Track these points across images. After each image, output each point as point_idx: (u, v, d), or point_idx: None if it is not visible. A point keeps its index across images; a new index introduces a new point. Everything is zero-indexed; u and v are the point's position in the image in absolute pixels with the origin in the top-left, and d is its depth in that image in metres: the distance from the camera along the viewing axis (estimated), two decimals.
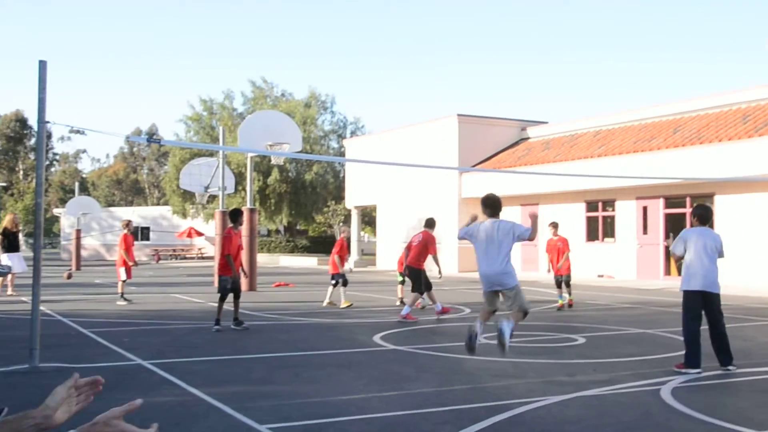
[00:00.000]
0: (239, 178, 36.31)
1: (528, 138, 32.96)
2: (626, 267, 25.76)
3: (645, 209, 25.31)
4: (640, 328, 11.91)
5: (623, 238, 26.17)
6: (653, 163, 23.51)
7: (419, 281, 13.59)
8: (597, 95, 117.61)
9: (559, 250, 15.39)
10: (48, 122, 7.64)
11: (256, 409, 6.14)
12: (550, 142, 31.22)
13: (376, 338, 10.68)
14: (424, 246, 13.85)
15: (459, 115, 32.07)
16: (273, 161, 24.25)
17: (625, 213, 26.23)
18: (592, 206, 27.70)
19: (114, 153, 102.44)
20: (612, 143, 27.09)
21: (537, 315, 14.05)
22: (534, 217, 8.12)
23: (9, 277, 17.87)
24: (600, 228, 27.43)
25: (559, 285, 15.44)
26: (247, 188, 22.06)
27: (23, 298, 16.07)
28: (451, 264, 30.75)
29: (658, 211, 24.77)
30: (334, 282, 15.78)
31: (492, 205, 8.15)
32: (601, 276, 25.99)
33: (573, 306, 15.36)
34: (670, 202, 24.66)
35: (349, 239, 15.55)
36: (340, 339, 10.86)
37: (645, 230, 25.33)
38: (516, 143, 32.93)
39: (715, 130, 23.46)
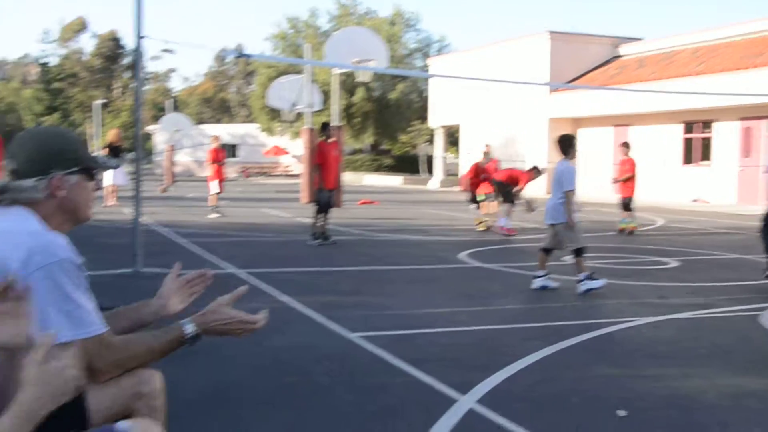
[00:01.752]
0: (325, 96, 36.39)
1: (621, 56, 31.66)
2: (724, 192, 24.75)
3: (748, 130, 24.13)
4: (738, 253, 11.50)
5: (722, 161, 25.11)
6: (760, 80, 22.24)
7: (509, 192, 13.46)
8: (696, 9, 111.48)
9: (624, 171, 14.76)
10: (144, 37, 7.76)
11: (345, 319, 6.26)
12: (644, 59, 29.93)
13: (462, 256, 10.69)
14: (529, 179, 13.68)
15: (551, 32, 31.02)
16: (359, 78, 23.97)
17: (725, 135, 25.08)
18: (689, 127, 26.62)
19: (203, 72, 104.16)
20: (713, 60, 25.77)
21: (626, 238, 13.77)
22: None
23: (111, 188, 18.64)
24: (697, 151, 26.39)
25: (626, 208, 14.48)
26: (333, 106, 22.08)
27: (124, 210, 16.71)
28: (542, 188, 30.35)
29: (762, 132, 23.58)
30: (474, 203, 15.12)
31: (558, 142, 8.17)
32: (696, 200, 25.15)
33: (631, 233, 14.15)
34: None
35: (483, 162, 14.82)
36: (425, 255, 10.92)
37: (747, 153, 24.22)
38: (608, 61, 31.70)
39: None
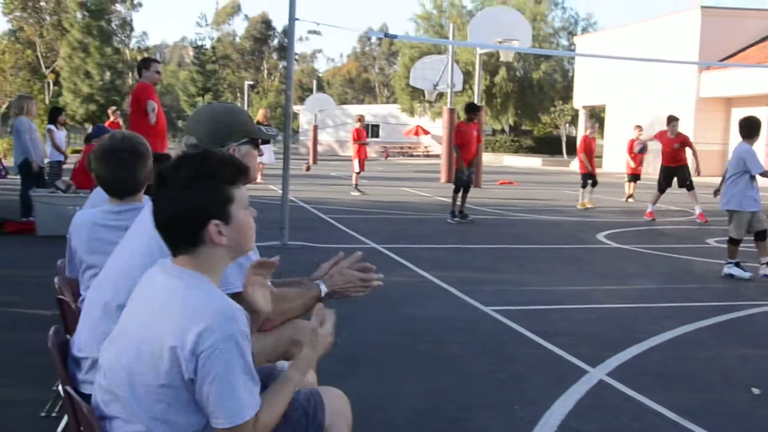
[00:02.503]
0: (467, 76, 36.40)
1: None
2: None
3: None
4: None
5: None
6: None
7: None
8: None
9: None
10: (297, 19, 8.23)
11: (481, 293, 6.48)
12: None
13: (600, 236, 10.63)
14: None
15: (703, 6, 29.62)
16: (501, 58, 23.96)
17: None
18: None
19: (347, 53, 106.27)
20: None
21: None
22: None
23: (258, 166, 19.59)
24: None
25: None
26: (475, 86, 22.16)
27: (271, 186, 17.58)
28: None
29: None
30: (582, 182, 14.97)
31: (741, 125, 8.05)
32: None
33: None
34: None
35: (593, 136, 14.76)
36: (563, 235, 10.93)
37: None
38: (766, 38, 29.93)
39: None
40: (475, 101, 21.67)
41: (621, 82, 33.01)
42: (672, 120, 13.06)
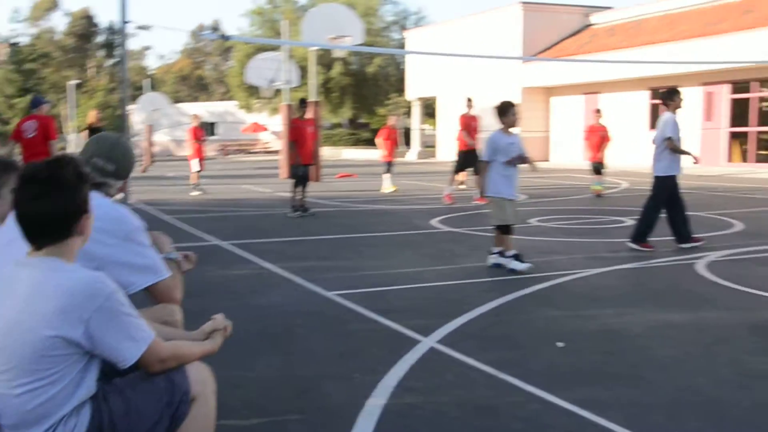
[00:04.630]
0: (303, 72, 36.78)
1: (592, 24, 32.32)
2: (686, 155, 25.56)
3: (710, 95, 24.92)
4: (692, 210, 12.18)
5: (685, 125, 25.85)
6: (721, 47, 22.98)
7: None
8: None
9: (600, 137, 15.41)
10: (128, 22, 8.28)
11: (323, 280, 6.90)
12: (615, 28, 30.61)
13: (433, 222, 11.35)
14: None
15: (522, 2, 31.55)
16: (335, 54, 24.49)
17: (689, 100, 25.77)
18: (656, 94, 27.35)
19: (179, 49, 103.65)
20: (679, 27, 26.46)
21: (591, 201, 14.47)
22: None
23: None
24: None
25: (597, 172, 15.40)
26: (310, 81, 22.55)
27: None
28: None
29: (722, 96, 24.36)
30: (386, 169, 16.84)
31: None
32: None
33: (601, 196, 15.03)
34: (737, 87, 24.21)
35: (394, 126, 16.64)
36: (399, 223, 11.56)
37: (709, 117, 25.04)
38: (580, 30, 32.36)
39: None
40: (312, 96, 22.10)
41: (450, 75, 34.54)
42: (469, 101, 15.76)
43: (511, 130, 7.45)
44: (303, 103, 12.87)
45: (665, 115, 8.48)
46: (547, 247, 8.81)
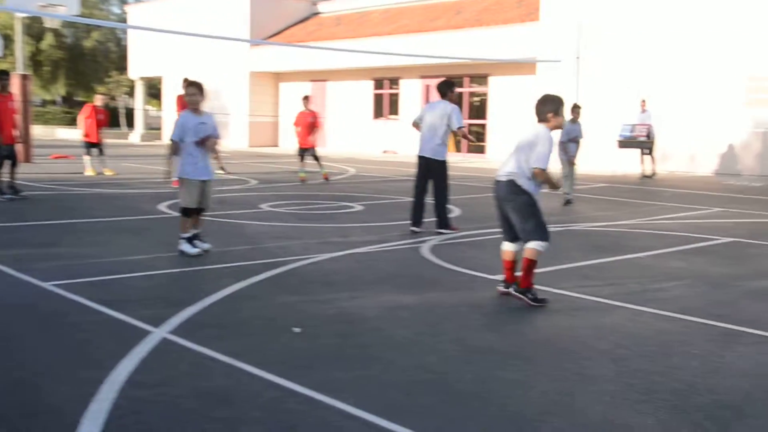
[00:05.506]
0: (7, 41, 33.48)
1: (319, 13, 32.99)
2: (410, 143, 27.12)
3: (428, 88, 26.59)
4: (411, 197, 12.92)
5: (407, 115, 27.45)
6: (437, 43, 24.61)
7: None
8: None
9: (310, 123, 15.59)
10: None
11: (40, 270, 6.29)
12: (341, 18, 31.49)
13: (161, 207, 10.88)
14: None
15: None
16: (47, 24, 22.45)
17: (410, 91, 27.42)
18: (379, 84, 28.63)
19: None
20: (401, 22, 27.88)
21: (321, 186, 14.76)
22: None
23: None
24: (386, 105, 28.49)
25: (303, 158, 15.59)
26: (17, 53, 20.57)
27: None
28: (243, 139, 30.95)
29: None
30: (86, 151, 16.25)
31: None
32: (386, 152, 27.28)
33: (329, 180, 15.48)
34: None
35: (102, 106, 16.02)
36: (125, 207, 10.93)
37: None
38: (307, 18, 32.88)
39: (493, 14, 24.89)
40: (18, 69, 20.14)
41: (177, 54, 33.40)
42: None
43: (204, 109, 7.33)
44: (3, 75, 11.61)
45: (450, 105, 8.81)
46: (280, 232, 8.81)
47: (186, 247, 7.21)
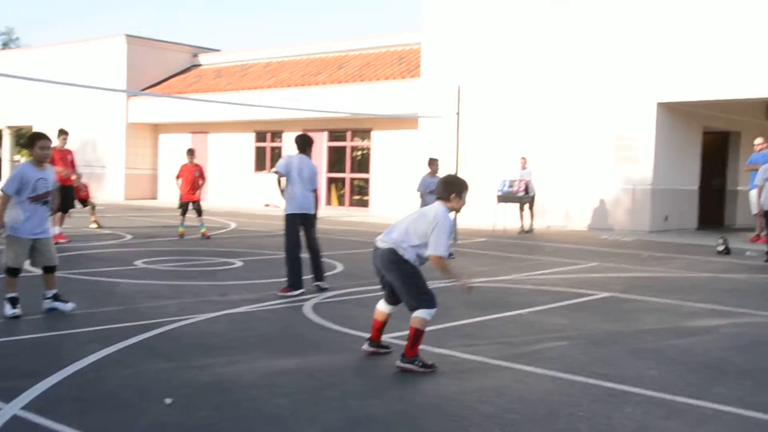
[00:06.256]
0: None
1: (200, 65, 32.57)
2: None
3: None
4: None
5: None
6: (319, 97, 24.67)
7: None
8: (268, 27, 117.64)
9: (195, 178, 15.09)
10: None
11: None
12: (222, 70, 31.17)
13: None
14: None
15: (127, 35, 30.58)
16: None
17: (292, 144, 27.16)
18: (261, 137, 28.35)
19: None
20: (282, 75, 27.84)
21: (200, 241, 14.27)
22: None
23: None
24: (268, 159, 28.19)
25: (185, 212, 15.04)
26: None
27: None
28: (119, 191, 29.83)
29: (322, 143, 26.10)
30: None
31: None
32: (267, 205, 26.91)
33: (209, 237, 14.75)
34: (334, 135, 26.07)
35: None
36: None
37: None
38: (187, 69, 32.37)
39: (374, 69, 25.24)
40: None
41: (49, 103, 32.03)
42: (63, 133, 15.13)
43: (45, 164, 6.89)
44: None
45: (310, 161, 8.97)
46: (155, 291, 8.35)
47: (7, 308, 6.66)
